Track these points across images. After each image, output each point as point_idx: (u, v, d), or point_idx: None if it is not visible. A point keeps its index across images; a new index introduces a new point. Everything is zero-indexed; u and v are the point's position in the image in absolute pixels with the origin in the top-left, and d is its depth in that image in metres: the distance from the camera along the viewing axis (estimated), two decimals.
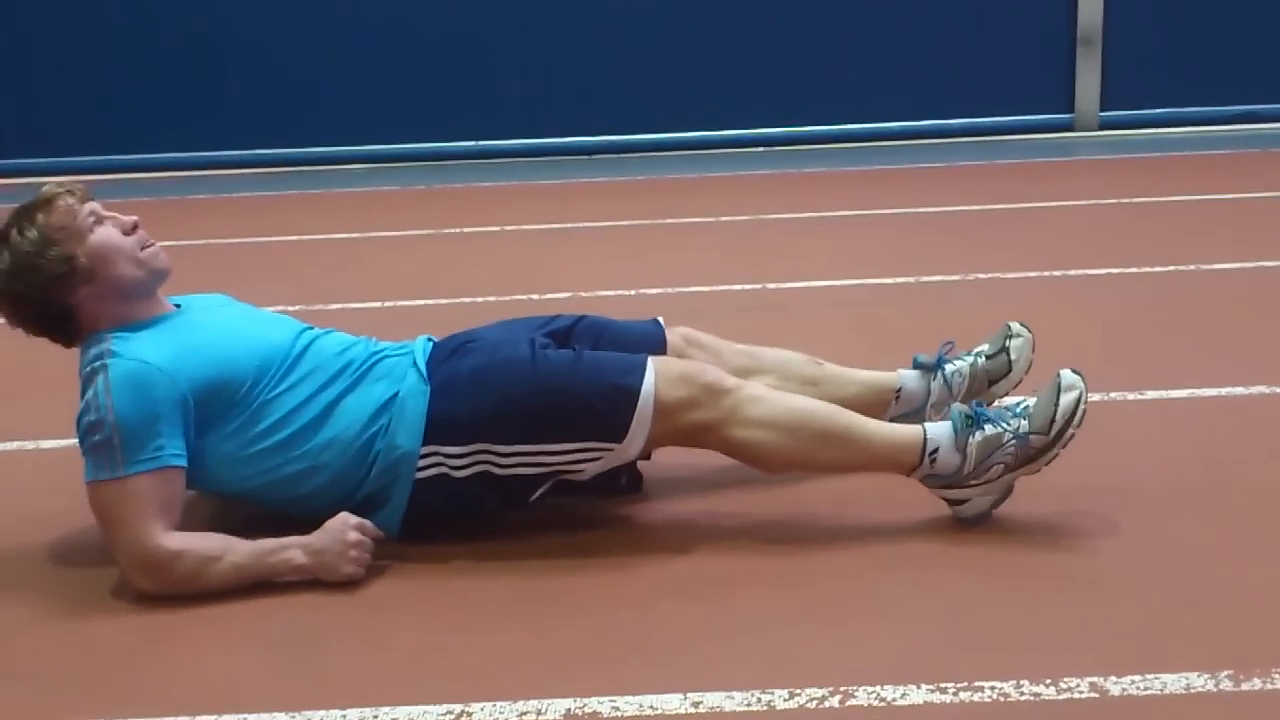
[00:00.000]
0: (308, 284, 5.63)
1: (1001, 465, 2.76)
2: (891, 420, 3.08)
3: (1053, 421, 2.73)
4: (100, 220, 2.83)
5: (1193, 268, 5.11)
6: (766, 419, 2.80)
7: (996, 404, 3.11)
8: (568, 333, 3.10)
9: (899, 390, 3.22)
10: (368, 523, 2.76)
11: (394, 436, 2.81)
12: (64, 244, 2.76)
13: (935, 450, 2.79)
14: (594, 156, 9.25)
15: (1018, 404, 2.82)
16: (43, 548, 2.99)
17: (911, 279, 5.04)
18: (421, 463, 2.80)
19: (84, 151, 9.38)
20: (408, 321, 4.51)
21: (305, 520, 2.77)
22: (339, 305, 5.14)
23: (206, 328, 2.87)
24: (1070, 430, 2.73)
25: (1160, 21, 9.09)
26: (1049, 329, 4.33)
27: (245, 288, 5.46)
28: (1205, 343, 4.14)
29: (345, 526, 2.72)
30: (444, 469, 2.80)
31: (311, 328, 3.04)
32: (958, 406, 2.84)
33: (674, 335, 3.18)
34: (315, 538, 2.72)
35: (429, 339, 3.06)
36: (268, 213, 7.84)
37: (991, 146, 8.87)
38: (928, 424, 2.85)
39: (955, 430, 2.78)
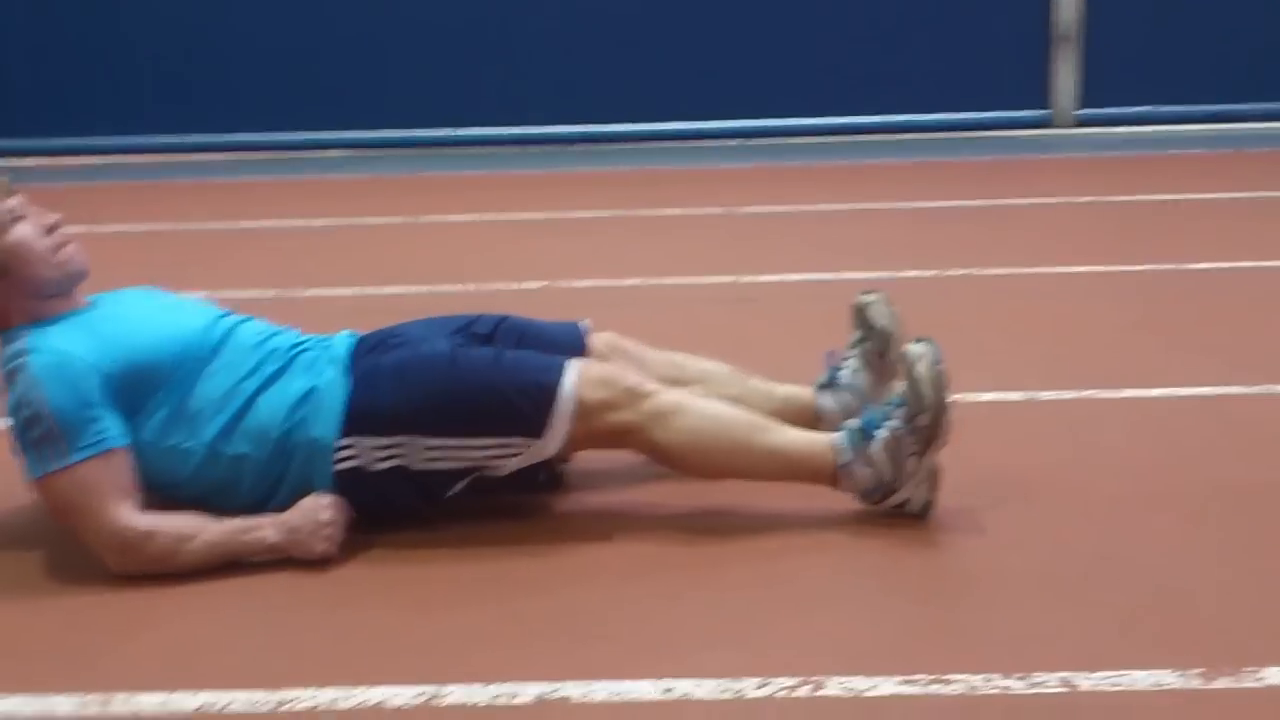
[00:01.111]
0: (283, 269, 5.60)
1: (912, 456, 2.77)
2: None
3: (922, 395, 2.74)
4: (20, 217, 2.79)
5: (1169, 267, 5.13)
6: (686, 424, 2.81)
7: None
8: (490, 333, 3.10)
9: (818, 410, 3.21)
10: (341, 501, 2.76)
11: (310, 429, 2.81)
12: None
13: (848, 462, 2.81)
14: (572, 147, 9.24)
15: (895, 394, 2.83)
16: (18, 525, 2.99)
17: (886, 274, 5.04)
18: (339, 455, 2.80)
19: (58, 133, 9.32)
20: (382, 309, 4.49)
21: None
22: (314, 291, 5.13)
23: (121, 319, 2.86)
24: (942, 392, 2.74)
25: (1139, 19, 9.10)
26: (1023, 326, 4.36)
27: (219, 272, 5.46)
28: (1180, 342, 4.16)
29: (318, 505, 2.73)
30: (362, 461, 2.80)
31: (229, 314, 3.03)
32: (847, 424, 2.87)
33: (598, 340, 3.18)
34: (289, 516, 2.73)
35: (351, 334, 3.07)
36: (244, 198, 7.80)
37: (967, 142, 8.87)
38: (838, 434, 2.86)
39: (854, 446, 2.80)
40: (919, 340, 2.81)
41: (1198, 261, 5.18)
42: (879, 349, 3.23)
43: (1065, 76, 9.17)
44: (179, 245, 6.36)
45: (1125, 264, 5.19)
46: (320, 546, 2.71)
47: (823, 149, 8.82)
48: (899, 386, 2.83)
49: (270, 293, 5.02)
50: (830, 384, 3.23)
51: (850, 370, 3.23)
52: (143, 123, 9.38)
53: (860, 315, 3.27)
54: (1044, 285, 4.97)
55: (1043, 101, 9.23)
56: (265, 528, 2.73)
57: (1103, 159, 8.21)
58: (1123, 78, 9.12)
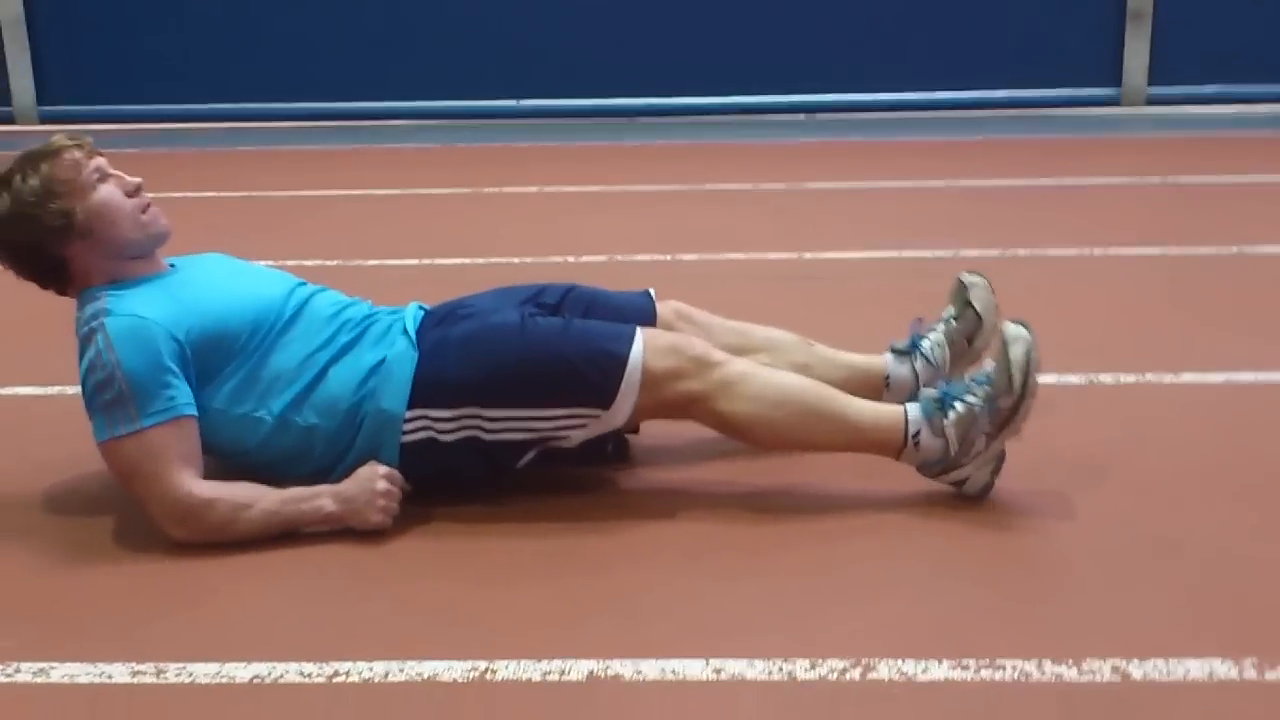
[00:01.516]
0: (346, 239, 5.63)
1: (984, 436, 2.76)
2: None
3: (1011, 378, 2.72)
4: (104, 178, 2.83)
5: (1236, 250, 5.06)
6: (753, 394, 2.80)
7: (980, 364, 3.11)
8: (558, 303, 3.10)
9: (888, 377, 3.21)
10: (396, 473, 2.77)
11: (379, 400, 2.82)
12: (65, 198, 2.77)
13: (917, 433, 2.79)
14: (635, 119, 9.22)
15: (981, 371, 2.82)
16: (78, 493, 3.03)
17: (950, 253, 5.01)
18: (408, 426, 2.81)
19: (129, 100, 9.39)
20: (442, 280, 4.52)
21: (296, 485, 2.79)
22: (375, 261, 5.16)
23: (199, 284, 2.88)
24: (1031, 379, 2.72)
25: None
26: (1087, 307, 4.33)
27: (283, 241, 5.50)
28: (1246, 327, 4.11)
29: (374, 475, 2.75)
30: (431, 433, 2.81)
31: (305, 283, 3.05)
32: (925, 392, 2.85)
33: (665, 309, 3.18)
34: (345, 486, 2.75)
35: (420, 306, 3.08)
36: (308, 167, 7.85)
37: (1036, 120, 8.79)
38: (909, 404, 2.84)
39: (928, 416, 2.79)
40: (1017, 322, 2.79)
41: (1267, 245, 5.11)
42: (968, 332, 3.23)
43: (1137, 54, 9.05)
44: (244, 212, 6.41)
45: (1192, 246, 5.14)
46: (375, 517, 2.73)
47: (889, 125, 8.75)
48: (987, 364, 2.82)
49: (333, 262, 5.05)
50: (909, 352, 3.22)
51: (932, 343, 3.23)
52: (210, 90, 9.44)
53: (959, 294, 3.27)
54: (1107, 266, 4.92)
55: (1114, 79, 9.12)
56: (322, 496, 2.75)
57: (1172, 138, 8.11)
58: (1195, 56, 9.00)
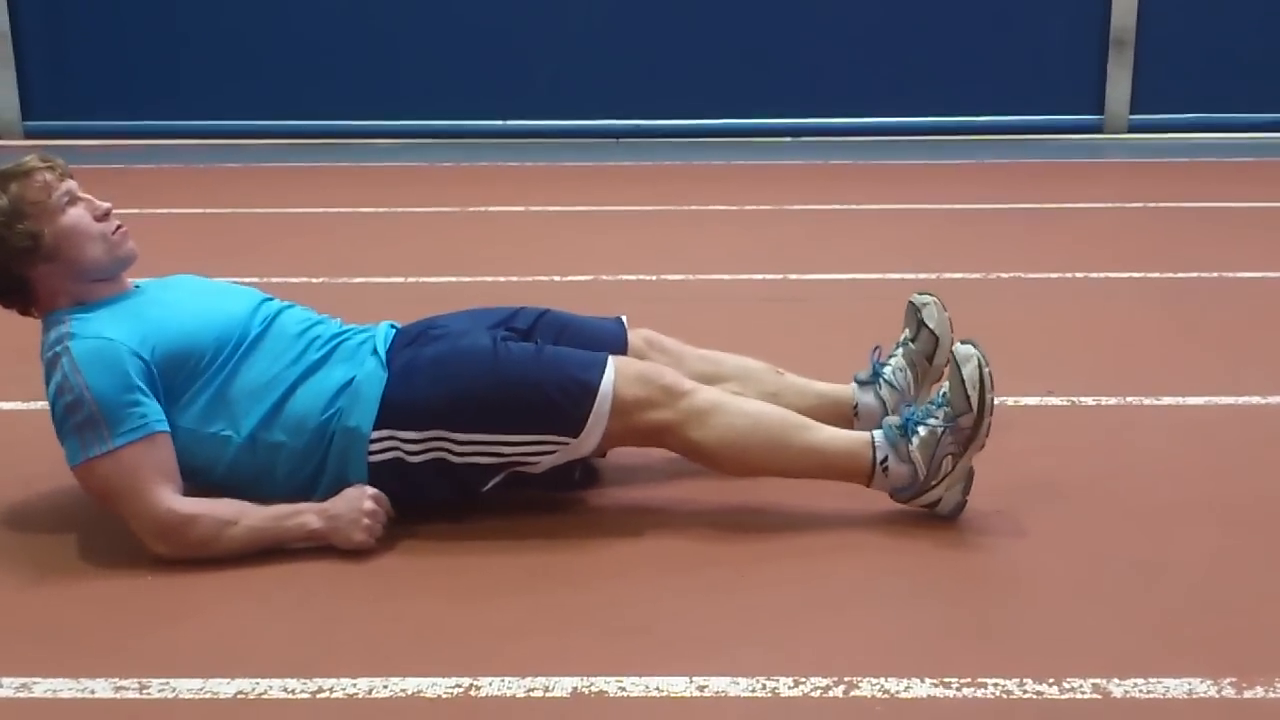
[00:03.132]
0: (331, 257, 5.64)
1: (949, 456, 2.79)
2: None
3: (967, 397, 2.75)
4: (74, 201, 2.82)
5: (1216, 275, 5.09)
6: (722, 422, 2.82)
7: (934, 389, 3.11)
8: (530, 327, 3.11)
9: (856, 406, 3.23)
10: (383, 495, 2.78)
11: (347, 419, 2.82)
12: (33, 219, 2.76)
13: (885, 459, 2.81)
14: (621, 140, 9.24)
15: (938, 393, 2.84)
16: (63, 507, 3.02)
17: (933, 275, 5.03)
18: (376, 446, 2.81)
19: (113, 116, 9.39)
20: (428, 298, 4.52)
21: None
22: (362, 279, 5.16)
23: (164, 304, 2.88)
24: (988, 396, 2.75)
25: (1194, 25, 9.04)
26: (1069, 330, 4.35)
27: (268, 258, 5.50)
28: (1225, 351, 4.14)
29: (361, 495, 2.75)
30: (399, 454, 2.81)
31: (272, 299, 3.05)
32: (887, 421, 2.87)
33: (636, 337, 3.19)
34: (331, 504, 2.76)
35: (392, 325, 3.08)
36: (294, 184, 7.85)
37: (1019, 145, 8.84)
38: (876, 431, 2.86)
39: (892, 443, 2.81)
40: (966, 342, 2.82)
41: (1247, 270, 5.14)
42: (926, 351, 3.24)
43: (1119, 82, 9.11)
44: (229, 229, 6.41)
45: (1173, 271, 5.16)
46: (359, 536, 2.73)
47: (874, 148, 8.79)
48: (943, 386, 2.84)
49: (318, 279, 5.06)
50: (872, 380, 3.24)
51: (894, 368, 3.24)
52: (195, 106, 9.44)
53: (913, 315, 3.29)
54: (1090, 290, 4.95)
55: (1096, 106, 9.18)
56: (306, 513, 2.75)
57: (1154, 164, 8.16)
58: (1176, 84, 9.06)
